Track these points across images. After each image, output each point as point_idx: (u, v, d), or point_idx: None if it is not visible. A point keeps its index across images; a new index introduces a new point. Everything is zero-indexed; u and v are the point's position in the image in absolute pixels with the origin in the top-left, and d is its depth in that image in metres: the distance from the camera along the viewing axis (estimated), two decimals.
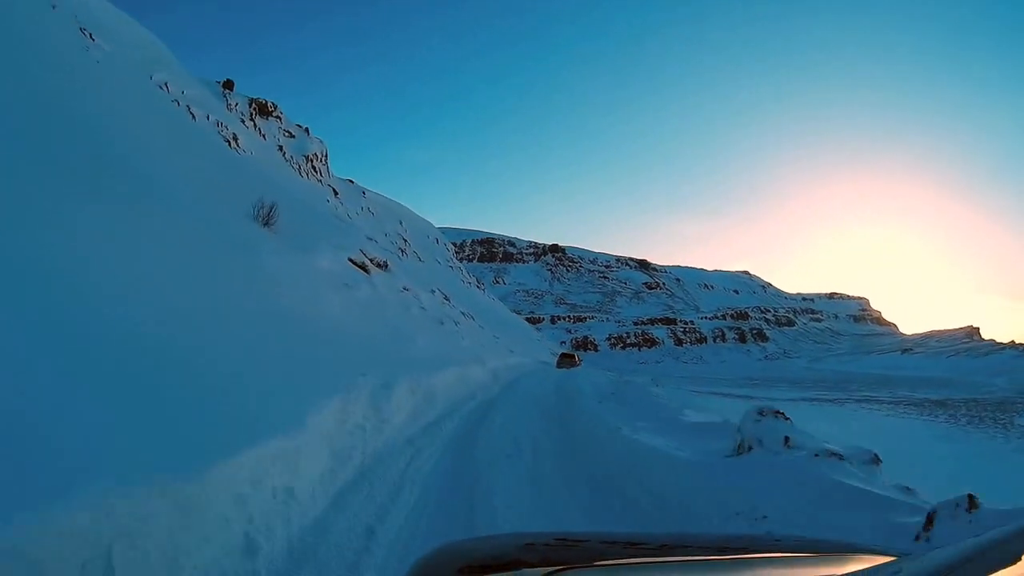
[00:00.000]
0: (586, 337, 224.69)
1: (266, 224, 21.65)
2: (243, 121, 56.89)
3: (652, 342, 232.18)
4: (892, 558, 1.59)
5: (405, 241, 75.00)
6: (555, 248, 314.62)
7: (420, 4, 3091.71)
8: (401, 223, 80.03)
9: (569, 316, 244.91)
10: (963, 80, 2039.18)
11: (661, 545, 2.11)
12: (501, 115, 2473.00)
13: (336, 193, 66.81)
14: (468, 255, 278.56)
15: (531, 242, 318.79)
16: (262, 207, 21.81)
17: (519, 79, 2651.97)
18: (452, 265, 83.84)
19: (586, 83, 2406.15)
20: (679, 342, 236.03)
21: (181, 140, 26.84)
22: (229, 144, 43.43)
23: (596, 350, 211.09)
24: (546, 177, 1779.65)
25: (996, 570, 0.95)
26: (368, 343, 14.82)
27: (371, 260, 30.33)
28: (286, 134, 66.28)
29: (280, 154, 59.58)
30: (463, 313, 43.10)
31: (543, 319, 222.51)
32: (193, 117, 42.42)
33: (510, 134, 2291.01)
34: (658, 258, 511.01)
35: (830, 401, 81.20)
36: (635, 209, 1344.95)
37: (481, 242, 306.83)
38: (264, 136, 59.80)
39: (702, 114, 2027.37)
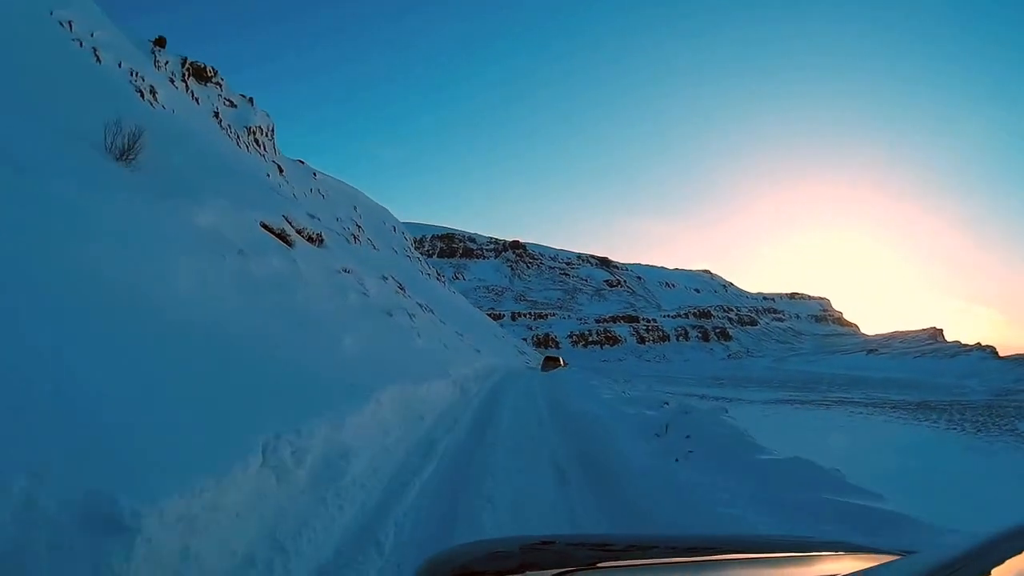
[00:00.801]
0: (547, 334, 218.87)
1: (123, 158, 14.12)
2: (172, 81, 48.48)
3: (614, 340, 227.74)
4: (895, 556, 1.54)
5: (359, 227, 66.92)
6: (516, 244, 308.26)
7: (384, 7, 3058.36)
8: (356, 208, 71.84)
9: (530, 313, 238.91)
10: (925, 85, 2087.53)
11: (664, 547, 2.04)
12: (463, 112, 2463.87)
13: (281, 171, 58.63)
14: (428, 250, 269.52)
15: (492, 238, 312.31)
16: (117, 135, 14.25)
17: (482, 77, 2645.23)
18: (411, 255, 75.67)
19: (548, 83, 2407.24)
20: (642, 340, 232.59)
21: (62, 75, 19.47)
22: (142, 95, 35.26)
23: (558, 347, 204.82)
24: (507, 174, 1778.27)
25: (999, 564, 0.98)
26: (224, 348, 7.42)
27: (299, 231, 22.80)
28: (226, 103, 57.82)
29: (215, 121, 51.28)
30: (420, 305, 35.72)
31: (504, 316, 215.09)
32: (98, 60, 34.34)
33: (472, 131, 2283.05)
34: (619, 256, 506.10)
35: (807, 403, 76.16)
36: (596, 207, 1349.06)
37: (441, 237, 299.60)
38: (198, 101, 51.47)
39: (662, 115, 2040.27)
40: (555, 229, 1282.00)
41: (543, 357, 47.55)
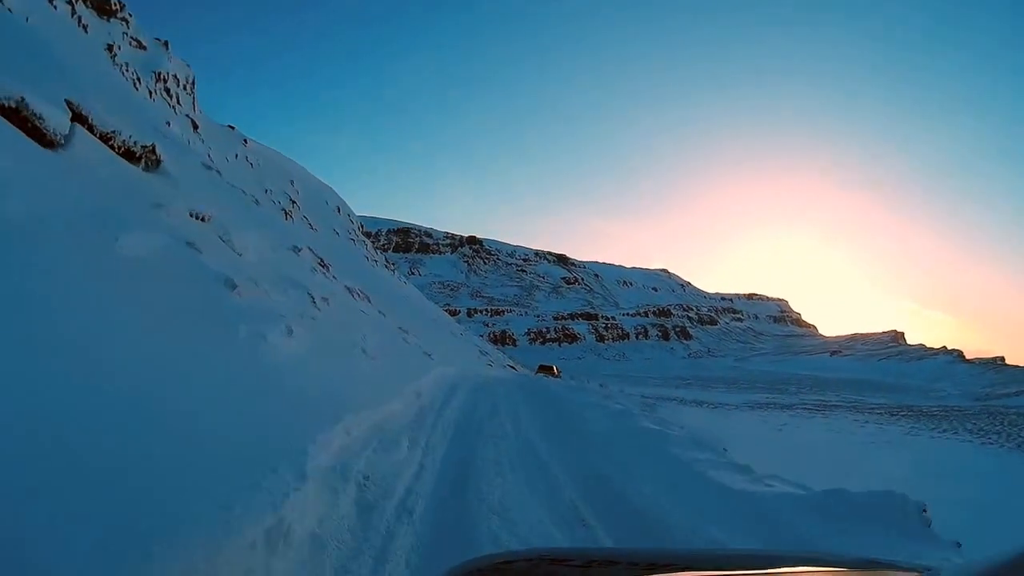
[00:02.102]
0: (504, 331, 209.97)
1: None
2: (51, 1, 37.02)
3: (573, 338, 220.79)
4: (917, 573, 1.49)
5: (294, 203, 55.75)
6: (472, 240, 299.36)
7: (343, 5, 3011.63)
8: (292, 184, 60.52)
9: (486, 309, 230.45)
10: (883, 88, 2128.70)
11: (686, 561, 1.88)
12: (419, 104, 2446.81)
13: (196, 127, 47.22)
14: (383, 244, 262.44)
15: (448, 233, 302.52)
16: None
17: (439, 70, 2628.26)
18: (355, 238, 64.29)
19: (506, 78, 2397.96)
20: (601, 338, 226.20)
21: None
22: None
23: (515, 345, 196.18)
24: (465, 169, 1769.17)
25: None
26: None
27: (107, 137, 12.23)
28: (133, 42, 46.11)
29: (107, 55, 39.99)
30: (351, 290, 25.49)
31: (459, 312, 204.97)
32: None
33: (429, 125, 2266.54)
34: (576, 253, 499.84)
35: (794, 408, 67.46)
36: (553, 205, 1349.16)
37: (396, 232, 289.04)
38: (87, 29, 40.03)
39: (618, 113, 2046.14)
40: (512, 225, 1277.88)
41: (537, 366, 44.02)
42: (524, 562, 1.85)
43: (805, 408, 66.95)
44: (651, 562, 1.88)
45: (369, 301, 28.86)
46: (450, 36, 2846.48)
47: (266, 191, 51.08)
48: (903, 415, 63.55)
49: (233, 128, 60.97)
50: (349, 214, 71.74)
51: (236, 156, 52.51)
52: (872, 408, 71.83)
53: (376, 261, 65.47)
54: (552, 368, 40.63)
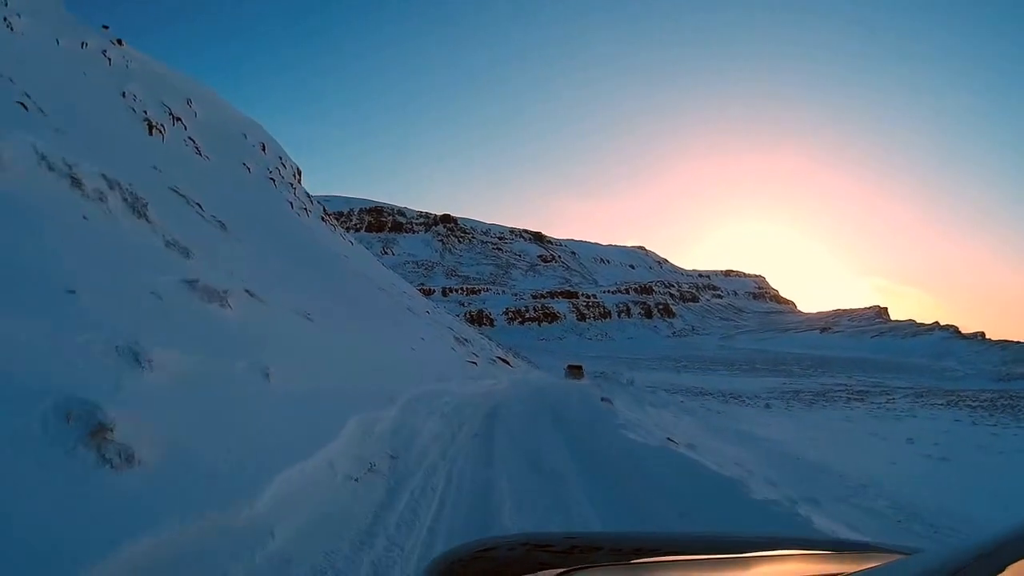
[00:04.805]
0: (481, 311, 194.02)
1: None
2: None
3: (553, 317, 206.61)
4: (901, 555, 1.46)
5: (177, 119, 37.56)
6: (447, 218, 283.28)
7: None
8: (190, 104, 42.13)
9: (462, 288, 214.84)
10: (855, 66, 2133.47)
11: (671, 545, 1.91)
12: (392, 82, 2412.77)
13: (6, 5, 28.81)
14: (355, 224, 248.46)
15: (422, 212, 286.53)
16: None
17: (412, 44, 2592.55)
18: (276, 179, 45.43)
19: (477, 55, 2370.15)
20: (582, 317, 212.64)
21: None
22: None
23: (492, 325, 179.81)
24: (439, 147, 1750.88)
25: (1011, 564, 0.90)
26: None
27: None
28: None
29: None
30: (130, 197, 7.66)
31: (434, 291, 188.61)
32: None
33: (401, 101, 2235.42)
34: (551, 231, 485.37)
35: (821, 396, 51.02)
36: (528, 182, 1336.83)
37: (369, 211, 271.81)
38: None
39: (592, 91, 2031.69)
40: (487, 203, 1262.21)
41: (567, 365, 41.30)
42: (507, 548, 1.80)
43: (854, 398, 50.43)
44: (637, 547, 1.83)
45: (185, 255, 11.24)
46: (421, 11, 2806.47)
47: (123, 94, 32.87)
48: (979, 408, 46.40)
49: (107, 28, 42.38)
50: (281, 156, 53.38)
51: (85, 45, 33.93)
52: (913, 394, 56.09)
53: (307, 211, 47.53)
54: (580, 368, 38.39)
